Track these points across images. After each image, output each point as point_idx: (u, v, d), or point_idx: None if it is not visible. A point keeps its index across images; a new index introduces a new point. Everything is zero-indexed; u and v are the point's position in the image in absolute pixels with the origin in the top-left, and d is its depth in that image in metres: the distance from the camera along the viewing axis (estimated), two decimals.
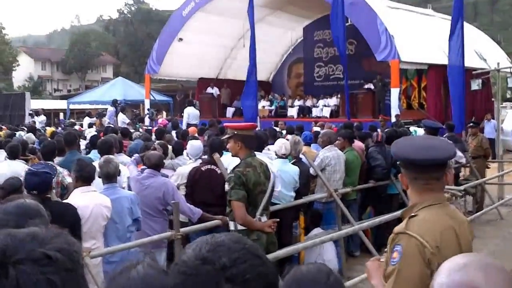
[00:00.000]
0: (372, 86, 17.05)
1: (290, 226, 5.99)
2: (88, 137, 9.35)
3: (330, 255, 6.26)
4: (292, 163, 6.16)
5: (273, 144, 6.54)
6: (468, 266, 1.01)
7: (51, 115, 28.20)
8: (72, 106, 26.78)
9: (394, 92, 15.14)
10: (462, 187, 6.99)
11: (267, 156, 6.06)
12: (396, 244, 1.96)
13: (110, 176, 4.48)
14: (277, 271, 1.09)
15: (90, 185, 4.19)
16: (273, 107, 20.79)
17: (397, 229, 2.01)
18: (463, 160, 8.53)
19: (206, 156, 5.88)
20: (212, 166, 5.40)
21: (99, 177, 4.57)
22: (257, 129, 9.89)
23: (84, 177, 4.14)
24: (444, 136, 8.54)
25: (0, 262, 0.86)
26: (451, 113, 12.43)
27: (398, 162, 2.18)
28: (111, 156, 4.92)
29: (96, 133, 9.99)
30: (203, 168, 5.42)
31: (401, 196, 7.26)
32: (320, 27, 21.32)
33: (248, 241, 1.06)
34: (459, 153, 8.24)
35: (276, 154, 6.04)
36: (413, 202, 2.09)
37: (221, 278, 0.97)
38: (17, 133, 10.95)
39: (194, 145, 6.22)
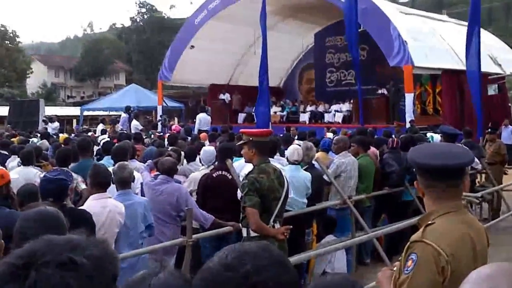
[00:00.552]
0: (385, 92, 16.97)
1: (302, 233, 5.93)
2: (101, 143, 9.40)
3: (341, 263, 6.16)
4: (305, 169, 6.10)
5: (286, 149, 6.50)
6: (495, 276, 1.00)
7: (65, 122, 28.45)
8: (85, 113, 27.02)
9: (408, 98, 15.07)
10: (479, 194, 6.87)
11: (279, 162, 6.02)
12: (411, 253, 1.94)
13: (124, 182, 4.47)
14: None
15: (105, 191, 4.16)
16: (284, 113, 20.78)
17: (413, 237, 1.99)
18: (479, 166, 8.41)
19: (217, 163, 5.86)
20: (223, 172, 5.36)
21: (113, 183, 4.57)
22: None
23: (100, 183, 4.11)
24: (461, 142, 8.44)
25: (26, 263, 0.88)
26: (468, 119, 12.33)
27: (414, 169, 2.14)
28: (125, 162, 4.92)
29: (108, 139, 10.03)
30: (214, 175, 5.40)
31: (415, 203, 7.18)
32: (332, 33, 21.34)
33: (275, 250, 1.05)
34: (475, 160, 8.14)
35: (288, 160, 6.00)
36: (430, 209, 2.07)
37: (242, 286, 0.96)
38: (31, 140, 11.03)
39: (207, 151, 6.20)
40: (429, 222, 2.00)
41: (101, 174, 4.13)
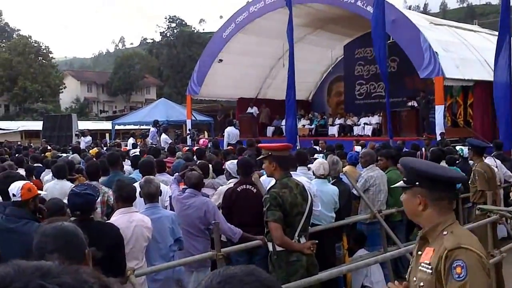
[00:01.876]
0: (415, 104, 16.75)
1: (332, 247, 5.87)
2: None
3: (378, 276, 6.12)
4: (332, 183, 6.07)
5: (311, 163, 6.47)
6: None
7: (97, 136, 29.03)
8: (117, 127, 27.52)
9: (439, 109, 14.82)
10: (511, 208, 6.66)
11: (306, 176, 5.98)
12: (456, 260, 2.00)
13: (151, 196, 4.53)
14: None
15: (131, 205, 4.20)
16: (313, 126, 20.71)
17: (448, 245, 2.05)
18: None
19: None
20: (248, 186, 5.35)
21: (140, 196, 4.61)
22: (297, 148, 9.91)
23: (124, 198, 4.15)
24: (492, 154, 8.23)
25: None
26: (499, 131, 12.05)
27: (418, 182, 2.19)
28: (151, 177, 4.98)
29: (138, 153, 10.17)
30: (238, 189, 5.38)
31: None
32: (361, 45, 21.22)
33: (263, 274, 1.02)
34: (508, 172, 7.90)
35: (314, 174, 5.96)
36: (435, 221, 2.16)
37: None
38: (65, 154, 11.30)
39: (230, 166, 6.20)
40: (444, 232, 2.12)
41: (124, 188, 4.17)
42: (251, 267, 1.06)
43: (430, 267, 2.11)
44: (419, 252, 2.23)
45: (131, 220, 4.01)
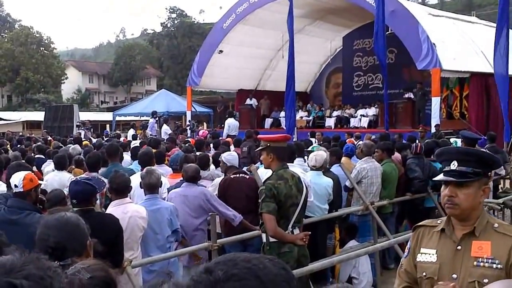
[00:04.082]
0: (412, 96, 16.80)
1: (324, 238, 5.97)
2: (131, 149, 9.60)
3: (365, 267, 6.20)
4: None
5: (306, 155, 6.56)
6: None
7: (98, 127, 29.13)
8: (118, 118, 27.58)
9: (435, 101, 14.88)
10: (501, 200, 6.78)
11: (302, 167, 6.07)
12: None
13: (151, 187, 4.58)
14: None
15: (125, 196, 4.22)
16: (310, 118, 20.78)
17: None
18: (503, 172, 8.26)
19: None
20: (241, 174, 5.45)
21: (141, 187, 4.70)
22: (294, 140, 10.02)
23: (115, 189, 4.18)
24: (485, 147, 8.33)
25: None
26: (494, 123, 12.12)
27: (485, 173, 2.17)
28: (153, 168, 5.01)
29: (138, 144, 10.24)
30: (232, 176, 5.47)
31: (437, 210, 7.13)
32: (360, 36, 21.24)
33: (262, 262, 1.04)
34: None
35: (309, 166, 6.06)
36: (480, 214, 2.17)
37: None
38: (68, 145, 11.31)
39: (226, 157, 6.26)
40: (495, 224, 2.14)
41: (116, 180, 4.19)
42: (254, 255, 1.08)
43: (497, 261, 2.05)
44: (459, 247, 2.15)
45: (125, 212, 4.04)
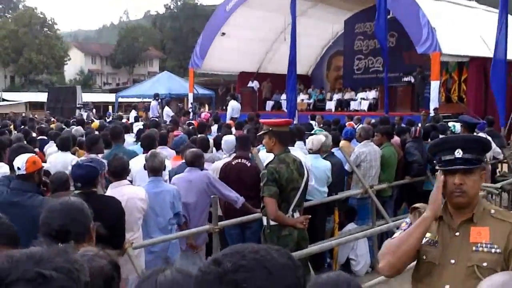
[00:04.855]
0: (411, 79, 16.78)
1: (323, 221, 6.04)
2: (135, 130, 9.62)
3: (363, 249, 6.31)
4: (324, 158, 6.13)
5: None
6: (509, 284, 1.08)
7: (101, 108, 29.16)
8: (120, 99, 27.58)
9: (434, 85, 14.89)
10: (498, 184, 6.83)
11: (302, 151, 6.11)
12: None
13: (155, 170, 4.61)
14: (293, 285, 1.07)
15: (122, 179, 4.26)
16: (311, 101, 20.77)
17: None
18: (501, 156, 8.30)
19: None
20: (243, 160, 5.46)
21: (145, 169, 4.73)
22: (294, 123, 10.04)
23: (113, 173, 4.21)
24: (484, 131, 8.37)
25: None
26: (492, 107, 12.15)
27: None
28: (157, 151, 5.03)
29: (142, 127, 10.27)
30: (233, 163, 5.49)
31: None
32: (361, 19, 21.14)
33: (269, 253, 1.06)
34: (497, 149, 8.03)
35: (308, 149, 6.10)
36: (477, 201, 2.23)
37: (219, 281, 1.00)
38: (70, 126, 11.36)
39: (228, 140, 6.32)
40: (492, 210, 2.20)
41: (114, 163, 4.22)
42: (261, 246, 1.10)
43: (496, 246, 2.09)
44: (457, 234, 2.19)
45: (122, 194, 4.05)
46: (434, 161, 2.31)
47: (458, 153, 2.16)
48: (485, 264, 2.08)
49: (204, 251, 5.29)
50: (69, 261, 0.94)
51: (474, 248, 2.12)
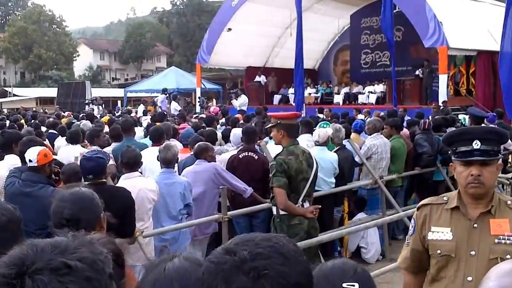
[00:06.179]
0: (419, 73, 16.72)
1: (331, 211, 6.07)
2: (144, 124, 9.78)
3: (374, 238, 6.35)
4: (336, 150, 6.19)
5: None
6: None
7: (110, 103, 29.32)
8: (129, 94, 27.76)
9: (442, 79, 14.85)
10: (509, 175, 6.84)
11: (307, 141, 6.10)
12: None
13: (167, 162, 4.71)
14: (309, 271, 1.09)
15: (134, 170, 4.35)
16: (319, 95, 20.76)
17: None
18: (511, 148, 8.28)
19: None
20: (250, 153, 5.51)
21: (158, 160, 4.81)
22: (302, 116, 10.06)
23: (126, 164, 4.30)
24: (494, 123, 8.34)
25: (17, 273, 0.85)
26: (501, 100, 12.09)
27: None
28: (171, 143, 5.14)
29: (150, 121, 10.34)
30: (240, 156, 5.55)
31: (446, 183, 7.21)
32: (368, 14, 21.06)
33: (280, 240, 1.07)
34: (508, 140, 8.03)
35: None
36: (493, 193, 2.21)
37: (237, 270, 1.00)
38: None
39: (236, 133, 6.39)
40: (508, 202, 2.19)
41: (127, 155, 4.31)
42: (271, 234, 1.10)
43: None
44: (475, 225, 2.17)
45: (134, 185, 4.14)
46: (449, 152, 2.28)
47: (476, 144, 2.13)
48: (508, 256, 2.08)
49: (206, 243, 5.36)
50: (94, 252, 0.94)
51: (496, 241, 2.12)
